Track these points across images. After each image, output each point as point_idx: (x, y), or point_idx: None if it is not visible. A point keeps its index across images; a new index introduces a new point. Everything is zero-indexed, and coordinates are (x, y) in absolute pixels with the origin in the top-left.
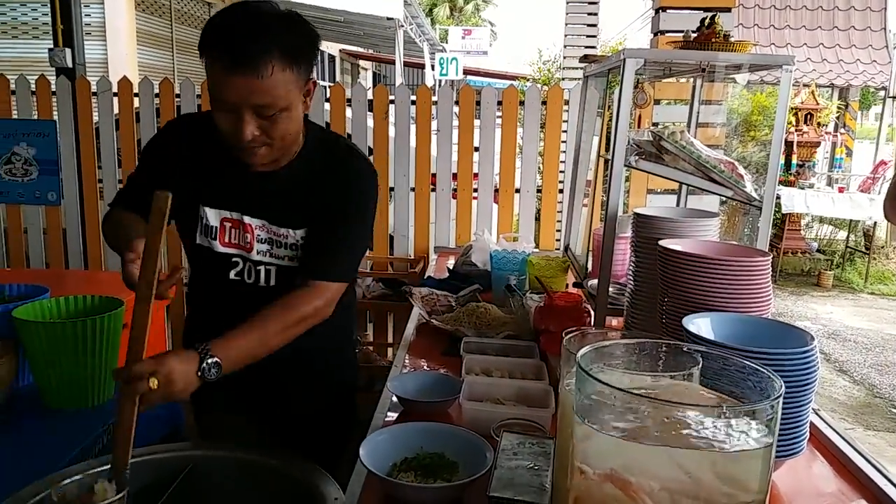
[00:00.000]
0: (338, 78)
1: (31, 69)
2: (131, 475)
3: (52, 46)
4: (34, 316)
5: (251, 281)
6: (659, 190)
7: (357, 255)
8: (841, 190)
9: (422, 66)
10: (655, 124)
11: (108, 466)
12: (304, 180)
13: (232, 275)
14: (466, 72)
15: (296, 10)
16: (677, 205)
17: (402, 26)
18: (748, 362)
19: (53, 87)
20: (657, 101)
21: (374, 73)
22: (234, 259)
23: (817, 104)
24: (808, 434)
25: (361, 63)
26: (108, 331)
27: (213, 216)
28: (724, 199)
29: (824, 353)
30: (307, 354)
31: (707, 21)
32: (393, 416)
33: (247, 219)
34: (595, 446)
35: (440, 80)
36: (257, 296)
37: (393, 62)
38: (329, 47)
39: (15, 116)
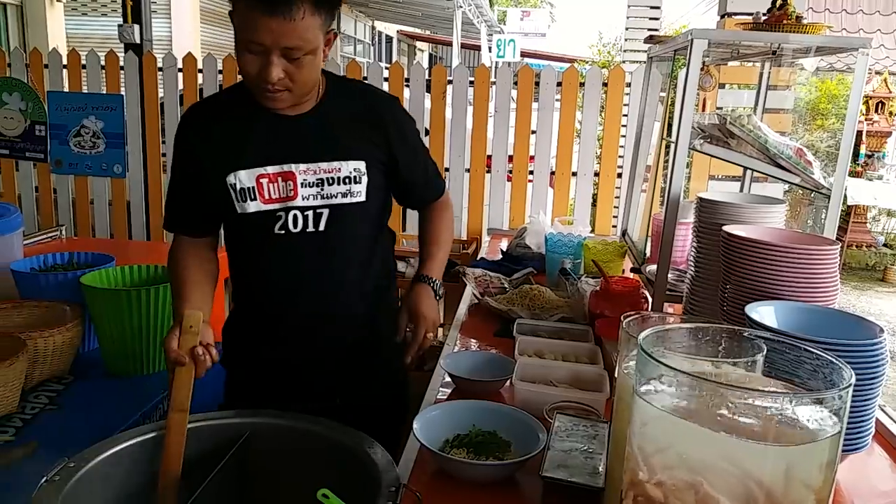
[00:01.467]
0: (395, 58)
1: (101, 45)
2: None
3: (120, 23)
4: (100, 283)
5: (297, 230)
6: (720, 176)
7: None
8: None
9: (478, 48)
10: (720, 108)
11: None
12: (343, 115)
13: (276, 228)
14: (524, 54)
15: None
16: (741, 191)
17: (461, 7)
18: (815, 351)
19: (121, 63)
20: (722, 85)
21: (431, 55)
22: (277, 213)
23: (890, 92)
24: (873, 430)
25: (418, 44)
26: (168, 300)
27: (246, 178)
28: (788, 186)
29: (890, 352)
30: (365, 341)
31: (779, 2)
32: (445, 393)
33: (290, 166)
34: (653, 431)
35: (497, 62)
36: (306, 243)
37: (449, 43)
38: (386, 28)
39: (85, 90)
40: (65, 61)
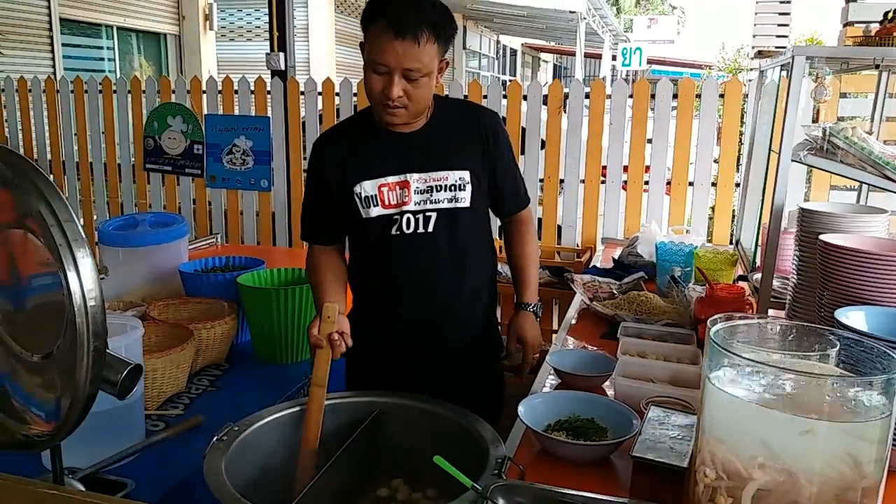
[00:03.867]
0: (518, 71)
1: (248, 68)
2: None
3: (267, 50)
4: (253, 283)
5: (410, 231)
6: (843, 186)
7: None
8: None
9: (601, 57)
10: (841, 119)
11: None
12: (449, 131)
13: (393, 230)
14: (650, 61)
15: (484, 6)
16: (857, 201)
17: (585, 19)
18: (879, 345)
19: (268, 87)
20: (844, 94)
21: (555, 66)
22: (394, 217)
23: None
24: None
25: (542, 56)
26: (311, 299)
27: (370, 187)
28: None
29: None
30: (466, 344)
31: (890, 14)
32: (550, 385)
33: (405, 175)
34: (720, 408)
35: (621, 71)
36: (417, 243)
37: (573, 53)
38: (511, 42)
39: (236, 113)
40: (220, 87)
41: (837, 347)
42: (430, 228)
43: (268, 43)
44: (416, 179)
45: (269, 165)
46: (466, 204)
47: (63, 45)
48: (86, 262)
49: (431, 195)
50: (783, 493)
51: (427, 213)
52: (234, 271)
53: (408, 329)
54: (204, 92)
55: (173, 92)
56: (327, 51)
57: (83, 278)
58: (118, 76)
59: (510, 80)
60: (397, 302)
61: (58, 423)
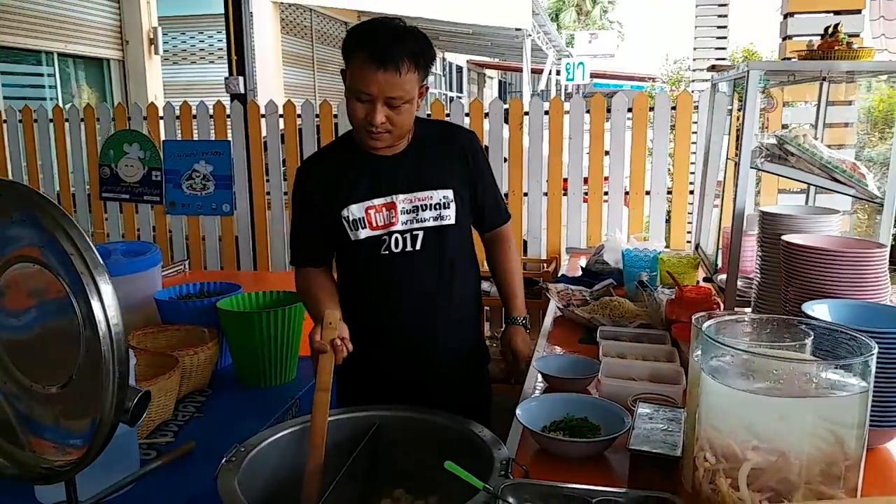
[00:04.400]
0: (465, 87)
1: (197, 93)
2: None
3: (215, 73)
4: (233, 307)
5: (398, 250)
6: (791, 190)
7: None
8: None
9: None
10: (784, 126)
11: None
12: (430, 152)
13: (382, 250)
14: (593, 75)
15: (430, 24)
16: (806, 203)
17: (530, 35)
18: (848, 332)
19: (228, 111)
20: (786, 103)
21: (500, 81)
22: (382, 237)
23: None
24: None
25: (487, 72)
26: (293, 320)
27: (357, 210)
28: (853, 198)
29: None
30: (457, 354)
31: (830, 29)
32: (539, 389)
33: (392, 197)
34: (716, 397)
35: (565, 85)
36: (406, 261)
37: (518, 69)
38: (457, 59)
39: (195, 137)
40: (177, 112)
41: (812, 337)
42: (418, 246)
43: (213, 66)
44: (402, 200)
45: (231, 189)
46: (452, 221)
47: (0, 73)
48: (107, 289)
49: (417, 214)
50: (775, 471)
51: (414, 232)
52: (210, 297)
53: (400, 343)
54: (161, 118)
55: (129, 119)
56: (274, 73)
57: (107, 306)
58: (69, 104)
59: (457, 97)
60: (389, 318)
61: (89, 447)
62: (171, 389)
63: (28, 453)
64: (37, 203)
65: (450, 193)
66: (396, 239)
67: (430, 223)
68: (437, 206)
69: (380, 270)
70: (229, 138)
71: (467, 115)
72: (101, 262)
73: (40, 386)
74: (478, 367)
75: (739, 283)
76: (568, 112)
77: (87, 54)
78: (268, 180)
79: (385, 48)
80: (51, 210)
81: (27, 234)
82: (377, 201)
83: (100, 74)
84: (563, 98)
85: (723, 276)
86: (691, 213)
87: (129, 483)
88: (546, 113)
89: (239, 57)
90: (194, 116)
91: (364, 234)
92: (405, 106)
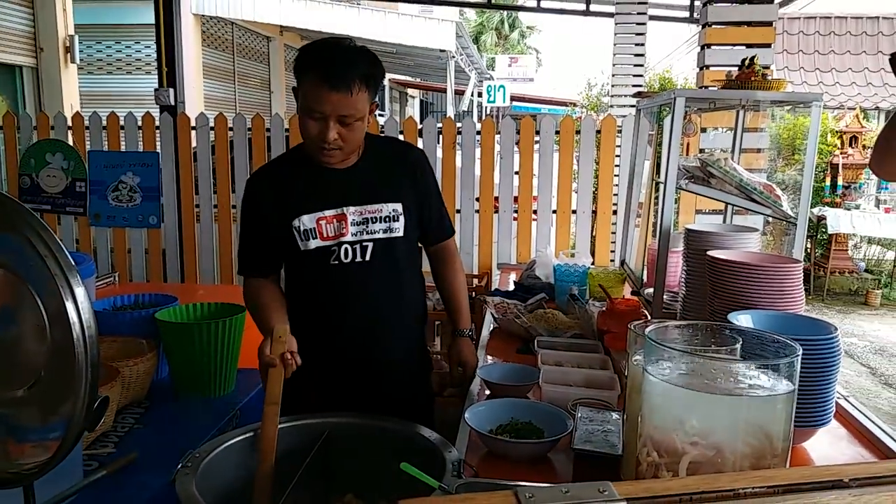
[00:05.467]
0: (387, 105)
1: (114, 104)
2: (281, 440)
3: (137, 83)
4: (172, 318)
5: (348, 260)
6: (706, 210)
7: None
8: (888, 210)
9: (472, 94)
10: (702, 150)
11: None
12: (381, 167)
13: (331, 260)
14: (514, 98)
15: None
16: (724, 222)
17: (454, 57)
18: (775, 337)
19: (157, 122)
20: (704, 129)
21: (422, 101)
22: (332, 248)
23: (862, 127)
24: (833, 408)
25: (409, 91)
26: (233, 331)
27: (308, 220)
28: (766, 218)
29: (870, 367)
30: (403, 363)
31: (747, 61)
32: (481, 398)
33: (342, 209)
34: (658, 397)
35: (486, 107)
36: (355, 272)
37: (440, 90)
38: None
39: (123, 148)
40: (104, 123)
41: (741, 342)
42: (367, 257)
43: (132, 77)
44: (352, 212)
45: (159, 202)
46: (401, 233)
47: None
48: (80, 291)
49: (367, 226)
50: (711, 465)
51: (364, 244)
52: (146, 308)
53: (348, 351)
54: (87, 128)
55: (52, 128)
56: (195, 85)
57: (81, 308)
58: None
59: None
60: (337, 327)
61: (59, 443)
62: (112, 400)
63: None
64: (10, 207)
65: (399, 207)
66: (346, 250)
67: (380, 235)
68: (387, 219)
69: (328, 281)
70: (158, 150)
71: (401, 132)
72: (73, 263)
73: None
74: (423, 376)
75: (665, 296)
76: (499, 132)
77: None
78: (197, 193)
79: (337, 70)
80: (21, 212)
81: None
82: (328, 213)
83: (11, 82)
84: (482, 120)
85: (649, 290)
86: (614, 233)
87: (73, 493)
88: (478, 133)
89: (170, 69)
90: (122, 127)
91: (314, 244)
92: (357, 123)
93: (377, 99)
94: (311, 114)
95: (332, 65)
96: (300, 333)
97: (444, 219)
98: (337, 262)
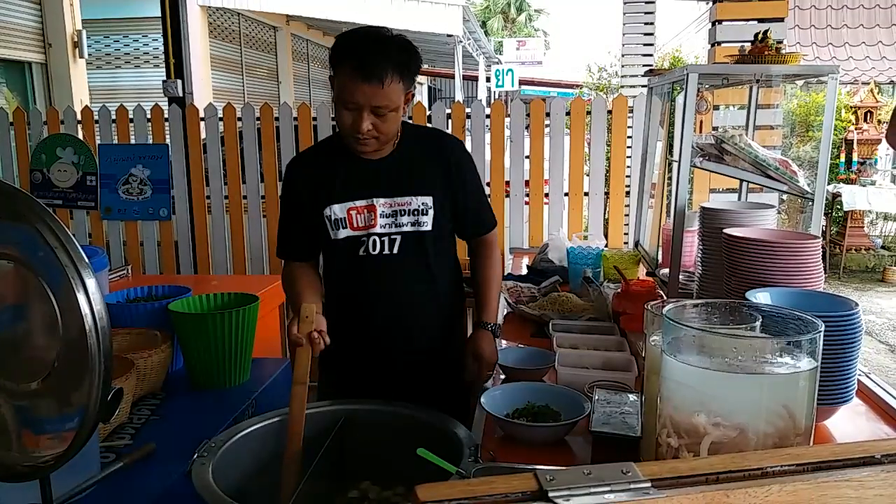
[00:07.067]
0: None
1: (124, 97)
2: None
3: (145, 77)
4: (185, 309)
5: (376, 252)
6: (721, 189)
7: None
8: None
9: (477, 79)
10: (716, 128)
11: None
12: (414, 158)
13: (360, 251)
14: (522, 82)
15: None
16: (738, 200)
17: (461, 42)
18: (797, 314)
19: (166, 114)
20: (716, 107)
21: (430, 87)
22: (361, 238)
23: (877, 102)
24: (856, 385)
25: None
26: (247, 321)
27: (339, 210)
28: (781, 195)
29: (889, 344)
30: (433, 354)
31: (760, 35)
32: (497, 381)
33: (372, 200)
34: (678, 378)
35: (496, 92)
36: (383, 264)
37: (448, 76)
38: None
39: (132, 141)
40: (114, 116)
41: (761, 320)
42: (395, 250)
43: (140, 70)
44: (381, 204)
45: (169, 194)
46: (429, 228)
47: None
48: (91, 282)
49: (396, 219)
50: (733, 446)
51: (392, 236)
52: (159, 300)
53: (378, 341)
54: (96, 122)
55: (62, 122)
56: (203, 77)
57: (93, 299)
58: None
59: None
60: (368, 316)
61: (74, 435)
62: (127, 392)
63: (13, 454)
64: (14, 195)
65: (429, 200)
66: (374, 241)
67: (408, 228)
68: (416, 213)
69: (357, 270)
70: (167, 142)
71: (410, 117)
72: (84, 255)
73: (14, 384)
74: (452, 369)
75: (681, 276)
76: (509, 116)
77: (7, 57)
78: (207, 184)
79: (370, 61)
80: (32, 205)
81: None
82: (359, 203)
83: (21, 78)
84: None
85: (665, 270)
86: (627, 214)
87: (91, 485)
88: (488, 117)
89: (177, 60)
90: (131, 120)
91: (344, 233)
92: (391, 114)
93: (413, 88)
94: (346, 104)
95: (366, 56)
96: (332, 319)
97: (483, 212)
98: (366, 254)
